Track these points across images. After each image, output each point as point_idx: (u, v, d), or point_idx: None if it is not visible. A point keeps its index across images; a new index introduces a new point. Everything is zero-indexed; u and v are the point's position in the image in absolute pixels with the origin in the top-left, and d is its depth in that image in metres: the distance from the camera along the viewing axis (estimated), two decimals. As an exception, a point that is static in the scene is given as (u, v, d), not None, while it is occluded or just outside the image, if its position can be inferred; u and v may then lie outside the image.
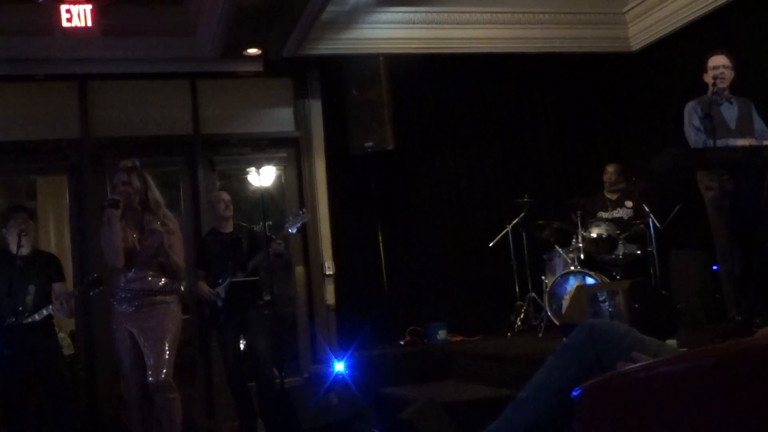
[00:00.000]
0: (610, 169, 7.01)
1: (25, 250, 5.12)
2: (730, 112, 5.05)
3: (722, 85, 4.99)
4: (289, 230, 5.66)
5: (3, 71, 6.44)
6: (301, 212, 5.84)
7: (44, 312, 5.02)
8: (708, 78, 5.03)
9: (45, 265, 5.27)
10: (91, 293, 4.95)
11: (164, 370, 4.25)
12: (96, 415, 6.26)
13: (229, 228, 5.72)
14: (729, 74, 5.03)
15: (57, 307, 4.99)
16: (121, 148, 6.45)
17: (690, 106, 5.03)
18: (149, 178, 4.53)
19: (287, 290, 7.19)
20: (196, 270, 5.73)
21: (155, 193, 4.50)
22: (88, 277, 5.03)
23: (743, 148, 4.78)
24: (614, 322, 2.27)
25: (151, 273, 4.40)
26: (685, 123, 5.03)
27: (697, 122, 4.87)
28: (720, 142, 4.68)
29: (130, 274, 4.39)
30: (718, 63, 5.03)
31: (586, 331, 2.17)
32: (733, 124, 5.01)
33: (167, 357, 4.28)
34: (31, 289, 5.09)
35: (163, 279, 4.44)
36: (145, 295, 4.37)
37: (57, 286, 5.20)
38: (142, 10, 6.53)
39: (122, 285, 4.40)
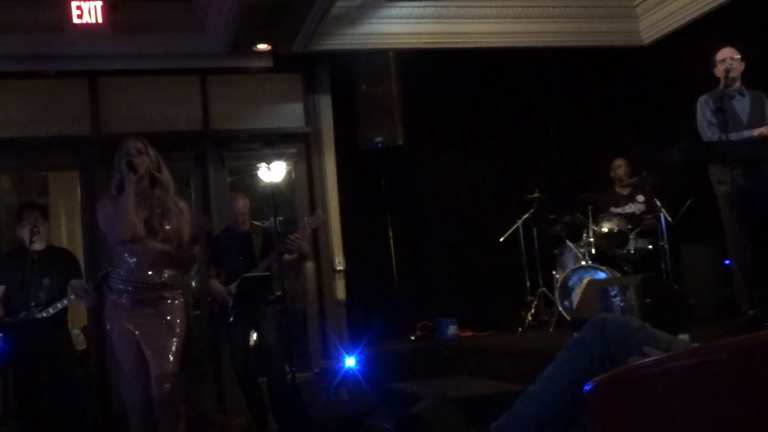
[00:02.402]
0: (618, 162, 6.98)
1: (38, 246, 5.15)
2: (742, 105, 5.01)
3: (733, 75, 4.96)
4: (305, 231, 5.66)
5: (14, 68, 6.47)
6: (314, 214, 5.81)
7: (58, 305, 5.04)
8: (718, 71, 5.00)
9: (61, 261, 5.30)
10: (104, 287, 4.96)
11: (168, 384, 3.72)
12: (108, 409, 6.29)
13: (244, 227, 5.71)
14: (738, 65, 5.00)
15: (82, 295, 4.88)
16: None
17: (702, 99, 5.00)
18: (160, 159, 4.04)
19: (297, 286, 7.20)
20: (208, 267, 5.74)
21: (167, 174, 3.97)
22: (101, 270, 5.05)
23: (756, 142, 4.75)
24: (626, 317, 2.26)
25: (156, 263, 3.84)
26: (698, 117, 5.01)
27: (710, 116, 4.84)
28: (734, 135, 4.65)
29: (132, 262, 3.81)
30: (725, 55, 5.00)
31: (598, 325, 2.17)
32: (745, 118, 4.98)
33: (171, 366, 3.76)
34: (45, 282, 5.12)
35: (169, 270, 3.89)
36: (148, 289, 3.82)
37: (74, 282, 5.20)
38: (151, 7, 6.55)
39: (123, 274, 3.83)
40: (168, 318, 3.84)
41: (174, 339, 3.82)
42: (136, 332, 3.77)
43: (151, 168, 3.86)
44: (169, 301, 3.88)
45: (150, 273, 3.83)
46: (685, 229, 6.55)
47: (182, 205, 4.02)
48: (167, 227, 3.86)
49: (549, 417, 2.17)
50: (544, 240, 6.98)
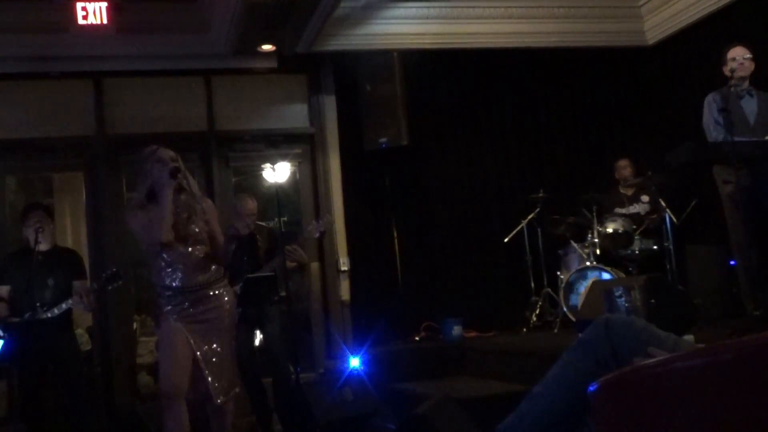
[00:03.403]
0: (623, 163, 6.96)
1: (43, 247, 5.15)
2: (749, 106, 5.00)
3: (742, 73, 4.93)
4: (314, 235, 5.65)
5: (19, 69, 6.48)
6: (321, 219, 5.79)
7: (63, 306, 5.04)
8: (727, 70, 4.98)
9: (65, 261, 5.30)
10: (110, 288, 4.97)
11: (224, 385, 3.92)
12: (112, 410, 6.30)
13: (250, 228, 5.70)
14: (749, 65, 4.98)
15: (77, 300, 4.98)
16: (136, 145, 6.45)
17: (709, 98, 4.98)
18: None
19: (302, 286, 7.20)
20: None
21: (192, 179, 4.14)
22: (106, 271, 5.06)
23: (761, 142, 4.73)
24: (631, 317, 2.25)
25: (197, 264, 3.94)
26: (704, 115, 4.99)
27: (716, 114, 4.82)
28: (741, 138, 4.63)
29: (178, 272, 3.92)
30: (737, 54, 4.98)
31: (602, 326, 2.16)
32: (752, 118, 4.96)
33: (226, 371, 3.95)
34: (50, 282, 5.12)
35: (211, 267, 4.00)
36: (197, 290, 3.93)
37: (77, 283, 5.22)
38: (156, 7, 6.57)
39: (173, 287, 3.92)
40: (222, 316, 3.99)
41: (227, 341, 4.00)
42: (191, 337, 3.87)
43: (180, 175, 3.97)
44: (216, 298, 4.00)
45: (189, 277, 3.93)
46: (690, 230, 6.53)
47: (206, 204, 4.12)
48: (196, 230, 3.96)
49: (554, 418, 2.16)
50: (548, 240, 6.97)
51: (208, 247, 3.99)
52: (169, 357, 3.87)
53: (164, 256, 3.92)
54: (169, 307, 3.93)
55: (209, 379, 3.87)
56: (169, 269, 3.93)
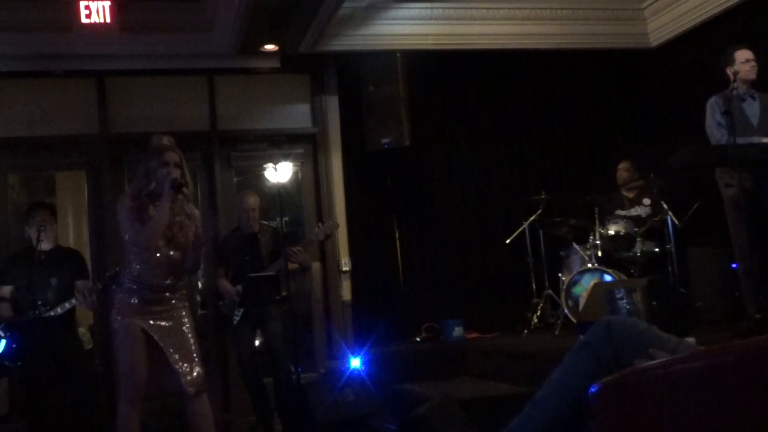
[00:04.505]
0: (622, 166, 6.96)
1: (46, 246, 5.16)
2: (752, 109, 5.00)
3: (751, 76, 4.93)
4: (318, 238, 5.65)
5: (22, 67, 6.50)
6: (325, 223, 5.78)
7: (66, 305, 5.05)
8: (731, 71, 4.96)
9: (68, 261, 5.31)
10: (113, 287, 4.97)
11: (200, 387, 3.83)
12: (114, 409, 6.29)
13: (253, 227, 5.70)
14: (750, 69, 4.98)
15: (80, 300, 4.98)
16: (139, 144, 6.47)
17: (712, 101, 4.98)
18: None
19: (303, 286, 7.20)
20: (216, 267, 5.75)
21: (190, 180, 4.04)
22: (109, 271, 5.06)
23: (764, 145, 4.73)
24: (632, 319, 2.25)
25: (166, 268, 3.89)
26: (707, 118, 4.99)
27: (719, 117, 4.82)
28: (743, 140, 4.63)
29: (145, 265, 3.85)
30: (750, 56, 4.97)
31: (604, 328, 2.16)
32: (755, 121, 4.96)
33: (200, 368, 3.85)
34: (53, 282, 5.12)
35: (175, 275, 3.95)
36: (156, 291, 3.87)
37: (79, 283, 5.22)
38: (159, 7, 6.57)
39: (134, 275, 3.86)
40: (182, 320, 3.91)
41: (192, 339, 3.91)
42: (151, 332, 3.80)
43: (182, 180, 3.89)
44: (175, 302, 3.95)
45: (158, 276, 3.88)
46: (692, 232, 6.53)
47: (196, 213, 4.09)
48: (181, 240, 3.92)
49: (557, 421, 2.16)
50: (550, 242, 6.97)
51: (182, 256, 3.94)
52: (132, 360, 3.78)
53: (145, 253, 3.86)
54: (131, 301, 3.84)
55: (176, 368, 3.78)
56: (145, 266, 3.86)
